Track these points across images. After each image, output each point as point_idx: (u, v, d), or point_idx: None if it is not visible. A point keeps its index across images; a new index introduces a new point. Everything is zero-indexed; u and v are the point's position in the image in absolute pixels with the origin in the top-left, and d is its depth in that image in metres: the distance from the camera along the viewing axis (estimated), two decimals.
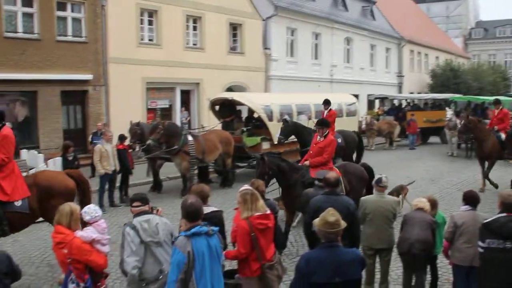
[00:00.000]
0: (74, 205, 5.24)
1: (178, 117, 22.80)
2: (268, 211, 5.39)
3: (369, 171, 9.56)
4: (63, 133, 18.45)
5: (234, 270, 5.68)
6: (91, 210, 5.30)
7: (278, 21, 27.52)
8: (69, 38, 18.94)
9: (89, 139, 16.96)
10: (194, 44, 23.61)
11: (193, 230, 4.38)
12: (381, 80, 37.33)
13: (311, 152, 9.34)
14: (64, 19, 18.84)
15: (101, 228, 5.23)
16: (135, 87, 20.75)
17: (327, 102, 14.99)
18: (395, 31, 39.49)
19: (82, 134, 19.20)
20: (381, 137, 25.10)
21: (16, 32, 17.51)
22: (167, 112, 22.86)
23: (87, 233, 5.05)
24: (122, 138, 13.13)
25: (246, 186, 6.05)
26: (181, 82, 22.99)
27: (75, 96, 19.33)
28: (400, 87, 40.18)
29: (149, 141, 13.11)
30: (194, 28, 23.63)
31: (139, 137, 13.57)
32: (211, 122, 18.32)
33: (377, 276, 6.87)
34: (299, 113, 17.78)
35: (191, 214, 4.49)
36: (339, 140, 14.54)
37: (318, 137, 9.27)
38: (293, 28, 29.01)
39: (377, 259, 6.78)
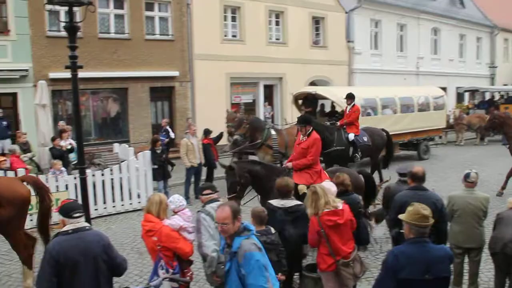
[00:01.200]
0: (162, 195, 5.47)
1: (261, 111, 23.02)
2: (340, 207, 5.33)
3: (367, 178, 8.41)
4: (152, 127, 19.27)
5: (316, 264, 5.69)
6: (176, 199, 5.51)
7: (361, 13, 26.96)
8: (157, 36, 19.74)
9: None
10: (276, 39, 23.71)
11: (250, 228, 4.23)
12: (471, 72, 35.42)
13: (294, 153, 8.26)
14: (152, 18, 19.66)
15: (186, 216, 5.43)
16: (220, 82, 21.21)
17: (350, 97, 13.60)
18: (487, 18, 37.28)
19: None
20: (471, 132, 23.90)
21: (108, 32, 18.51)
22: (250, 107, 23.13)
23: (175, 221, 5.25)
24: (207, 132, 13.46)
25: (327, 181, 6.03)
26: (264, 77, 23.20)
27: (162, 92, 20.15)
28: (492, 78, 37.90)
29: (236, 136, 13.34)
30: (277, 23, 23.72)
31: (237, 123, 13.73)
32: (294, 117, 18.31)
33: (465, 277, 6.56)
34: (384, 107, 17.38)
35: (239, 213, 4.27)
36: (365, 139, 13.43)
37: (301, 136, 8.07)
38: (377, 19, 28.28)
39: (466, 259, 6.47)
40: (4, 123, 15.43)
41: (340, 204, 5.40)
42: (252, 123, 13.58)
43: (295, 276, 6.30)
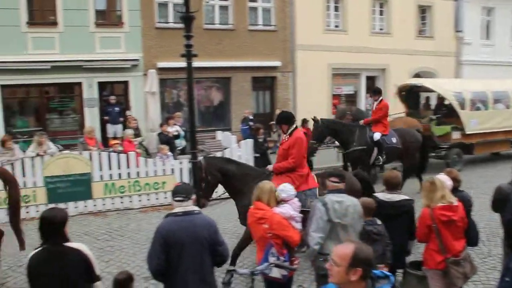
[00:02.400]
0: (272, 183, 5.53)
1: (363, 103, 22.60)
2: (455, 203, 5.12)
3: (363, 181, 7.26)
4: (253, 117, 19.61)
5: (420, 262, 5.52)
6: (287, 188, 5.54)
7: (472, 1, 25.46)
8: (260, 27, 20.02)
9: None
10: (380, 29, 23.11)
11: (386, 274, 3.06)
12: None
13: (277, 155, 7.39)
14: (255, 9, 19.98)
15: (296, 206, 5.45)
16: (321, 73, 21.10)
17: (377, 91, 12.28)
18: None
19: (270, 118, 20.16)
20: None
21: (213, 23, 19.05)
22: (351, 98, 22.83)
23: (286, 209, 5.29)
24: (304, 121, 13.53)
25: (442, 174, 5.77)
26: (366, 68, 22.75)
27: (264, 82, 20.44)
28: None
29: None
30: (381, 13, 23.11)
31: (339, 114, 13.51)
32: (397, 109, 17.77)
33: None
34: (496, 101, 16.29)
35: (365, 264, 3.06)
36: (394, 140, 11.84)
37: (283, 135, 7.18)
38: (489, 7, 26.56)
39: None
40: (117, 109, 16.48)
41: (455, 200, 5.19)
42: (355, 114, 13.38)
43: (397, 273, 6.15)
